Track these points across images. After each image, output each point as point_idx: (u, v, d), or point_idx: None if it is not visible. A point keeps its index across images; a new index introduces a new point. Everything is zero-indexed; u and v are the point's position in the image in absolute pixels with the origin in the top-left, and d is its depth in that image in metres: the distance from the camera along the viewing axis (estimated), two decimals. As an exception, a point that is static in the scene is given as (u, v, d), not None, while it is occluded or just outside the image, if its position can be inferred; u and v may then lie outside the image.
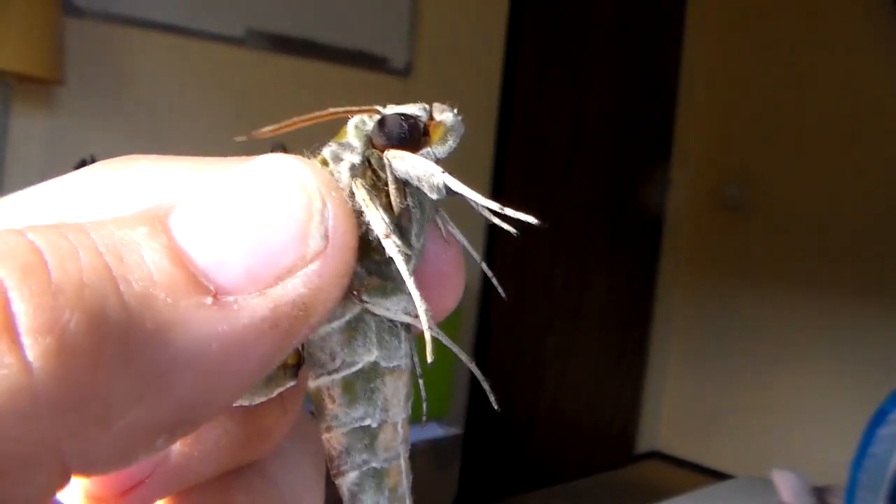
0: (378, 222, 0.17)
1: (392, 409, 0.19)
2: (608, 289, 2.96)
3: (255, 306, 0.14)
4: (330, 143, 0.18)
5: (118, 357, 0.13)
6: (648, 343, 3.14)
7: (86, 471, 0.13)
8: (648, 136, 3.02)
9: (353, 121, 0.18)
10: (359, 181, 0.17)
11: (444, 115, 0.18)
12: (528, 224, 0.18)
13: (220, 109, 1.88)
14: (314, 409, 0.18)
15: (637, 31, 2.90)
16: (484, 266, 0.21)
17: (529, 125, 2.60)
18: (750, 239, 2.92)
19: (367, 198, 0.17)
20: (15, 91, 1.55)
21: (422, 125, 0.18)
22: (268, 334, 0.14)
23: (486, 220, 0.18)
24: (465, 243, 0.20)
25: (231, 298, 0.14)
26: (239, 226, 0.14)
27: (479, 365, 0.20)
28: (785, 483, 1.33)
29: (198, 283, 0.14)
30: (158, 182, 0.16)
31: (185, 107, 1.83)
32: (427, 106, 0.18)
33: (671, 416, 3.19)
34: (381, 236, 0.17)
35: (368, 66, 2.12)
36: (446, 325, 0.18)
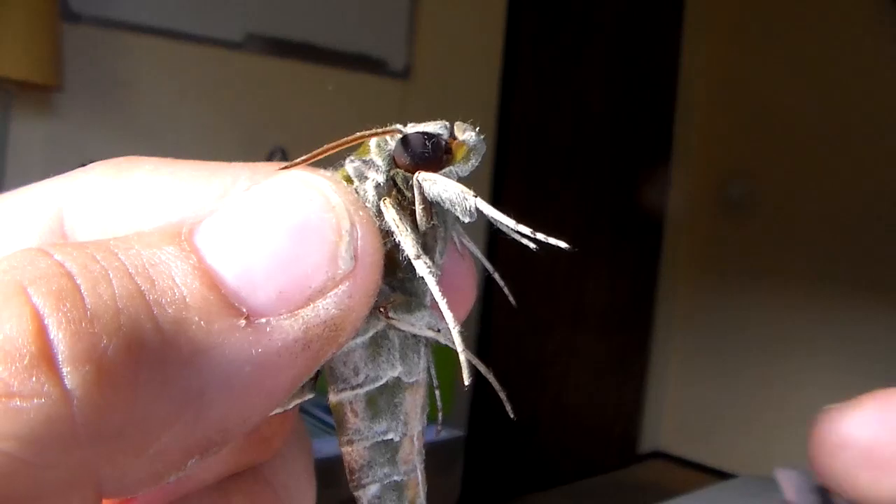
0: (409, 244, 0.17)
1: (411, 422, 0.19)
2: (609, 289, 2.95)
3: (286, 328, 0.14)
4: (353, 159, 0.18)
5: (154, 382, 0.13)
6: (650, 343, 3.13)
7: (118, 494, 0.13)
8: (649, 136, 3.02)
9: (376, 138, 0.18)
10: (388, 201, 0.17)
11: (467, 134, 0.19)
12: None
13: (219, 114, 1.88)
14: (334, 422, 0.18)
15: (636, 30, 2.90)
16: (496, 276, 0.22)
17: (529, 126, 2.60)
18: (751, 238, 2.92)
19: (397, 219, 0.17)
20: (14, 97, 1.55)
21: (444, 143, 0.18)
22: (299, 355, 0.14)
23: (489, 223, 0.18)
24: (480, 255, 0.20)
25: (263, 321, 0.14)
26: (269, 246, 0.14)
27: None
28: (788, 482, 1.33)
29: (230, 305, 0.14)
30: (162, 188, 0.16)
31: (184, 111, 1.83)
32: (448, 124, 0.18)
33: (674, 416, 3.18)
34: (411, 257, 0.17)
35: (367, 69, 2.12)
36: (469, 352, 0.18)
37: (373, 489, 0.19)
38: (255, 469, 0.18)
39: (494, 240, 2.41)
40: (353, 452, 0.19)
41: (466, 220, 0.18)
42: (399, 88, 2.17)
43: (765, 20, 2.89)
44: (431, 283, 0.17)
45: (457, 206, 0.18)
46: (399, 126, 0.18)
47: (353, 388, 0.18)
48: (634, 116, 2.95)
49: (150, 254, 0.14)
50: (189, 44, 1.81)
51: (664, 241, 3.14)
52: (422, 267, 0.17)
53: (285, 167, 0.16)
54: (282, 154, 1.77)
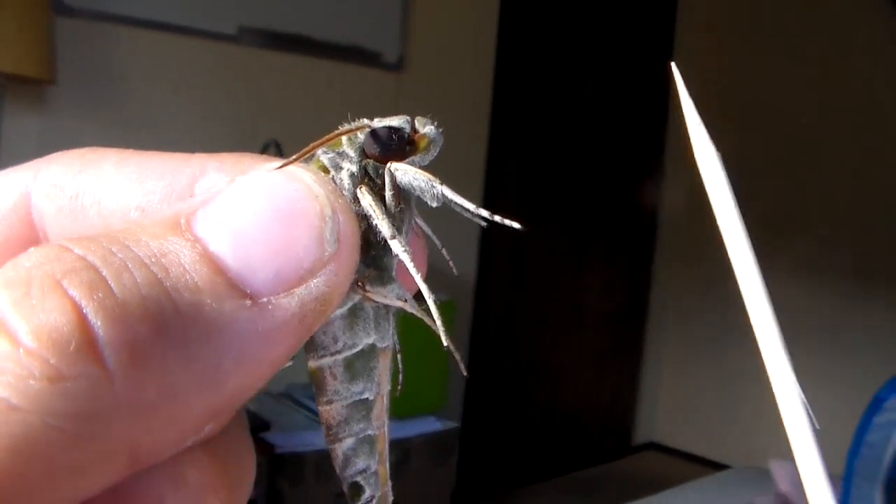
0: (385, 227, 0.19)
1: (383, 382, 0.21)
2: (604, 283, 2.96)
3: (285, 305, 0.16)
4: (326, 151, 0.20)
5: (180, 360, 0.14)
6: (644, 335, 3.14)
7: (148, 460, 0.15)
8: (643, 132, 3.02)
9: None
10: (364, 189, 0.20)
11: (427, 128, 0.21)
12: (524, 219, 0.20)
13: (212, 107, 1.87)
14: (314, 385, 0.21)
15: (630, 28, 2.90)
16: (444, 252, 0.24)
17: (523, 121, 2.60)
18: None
19: (373, 204, 0.20)
20: (7, 91, 1.54)
21: (406, 136, 0.21)
22: (297, 328, 0.16)
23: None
24: (431, 234, 0.23)
25: (264, 300, 0.16)
26: (264, 234, 0.16)
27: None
28: (782, 472, 1.34)
29: (236, 287, 0.15)
30: (130, 180, 0.18)
31: (178, 105, 1.82)
32: (409, 119, 0.21)
33: (668, 408, 3.19)
34: (387, 238, 0.19)
35: (361, 62, 2.11)
36: (442, 319, 0.20)
37: (348, 442, 0.21)
38: (204, 442, 0.19)
39: (488, 237, 2.41)
40: (332, 410, 0.21)
41: (434, 204, 0.20)
42: (393, 80, 2.17)
43: (760, 20, 2.89)
44: (406, 259, 0.19)
45: (426, 193, 0.20)
46: (367, 121, 0.20)
47: (332, 354, 0.20)
48: (629, 112, 2.95)
49: (157, 244, 0.15)
50: (182, 37, 1.80)
51: (658, 235, 3.15)
52: (397, 246, 0.19)
53: (277, 168, 0.17)
54: (276, 146, 1.77)
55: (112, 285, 0.14)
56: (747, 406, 2.84)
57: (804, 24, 2.74)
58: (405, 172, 0.20)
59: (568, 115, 2.75)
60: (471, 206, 0.20)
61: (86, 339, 0.13)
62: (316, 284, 0.16)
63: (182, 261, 0.15)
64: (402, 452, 1.76)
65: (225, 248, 0.16)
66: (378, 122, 0.20)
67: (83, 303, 0.14)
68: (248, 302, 0.15)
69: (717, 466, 2.55)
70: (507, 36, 2.49)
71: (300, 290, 0.16)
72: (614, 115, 2.90)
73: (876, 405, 1.14)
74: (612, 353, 3.06)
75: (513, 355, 2.69)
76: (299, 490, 1.61)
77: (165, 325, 0.14)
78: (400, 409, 1.79)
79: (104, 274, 0.14)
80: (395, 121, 0.20)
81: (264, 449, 1.55)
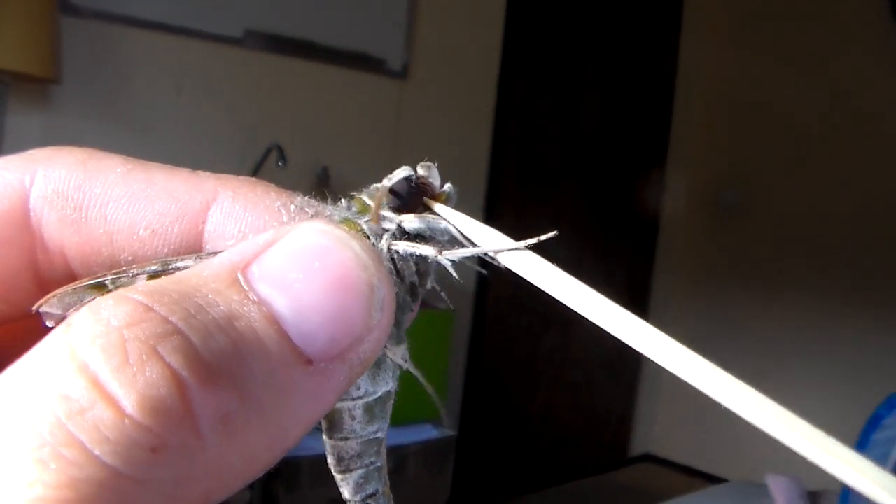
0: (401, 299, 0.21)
1: (389, 420, 0.23)
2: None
3: (338, 370, 0.17)
4: (364, 216, 0.22)
5: (258, 426, 0.15)
6: (643, 346, 3.13)
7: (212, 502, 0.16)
8: (644, 140, 3.02)
9: (372, 199, 0.22)
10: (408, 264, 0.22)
11: (446, 186, 0.23)
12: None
13: (216, 109, 1.88)
14: (326, 422, 0.22)
15: (634, 35, 2.90)
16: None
17: (525, 128, 2.60)
18: (744, 243, 2.93)
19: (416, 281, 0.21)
20: (11, 89, 1.55)
21: (414, 179, 0.22)
22: (343, 387, 0.17)
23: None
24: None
25: (322, 365, 0.16)
26: (321, 301, 0.17)
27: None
28: (779, 488, 1.33)
29: (300, 353, 0.16)
30: (139, 194, 0.19)
31: (182, 106, 1.83)
32: (410, 167, 0.22)
33: (665, 420, 3.19)
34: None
35: (365, 68, 2.12)
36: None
37: (359, 472, 0.23)
38: None
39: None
40: (346, 446, 0.22)
41: (446, 238, 0.22)
42: (397, 88, 2.17)
43: (762, 26, 2.90)
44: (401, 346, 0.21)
45: (436, 231, 0.22)
46: (378, 185, 0.22)
47: (353, 399, 0.22)
48: (631, 119, 2.95)
49: (227, 306, 0.16)
50: (188, 39, 1.80)
51: (658, 245, 3.15)
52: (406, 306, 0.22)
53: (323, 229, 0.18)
54: (278, 150, 1.77)
55: (202, 353, 0.14)
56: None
57: (806, 30, 2.74)
58: (411, 220, 0.21)
59: (570, 122, 2.75)
60: (473, 222, 0.22)
61: (188, 411, 0.14)
62: (363, 350, 0.17)
63: (252, 325, 0.16)
64: (398, 460, 1.75)
65: (286, 312, 0.16)
66: (388, 181, 0.22)
67: (182, 373, 0.14)
68: (311, 368, 0.16)
69: (714, 479, 2.54)
70: (512, 44, 2.49)
71: (350, 356, 0.17)
72: (616, 121, 2.90)
73: (875, 422, 1.14)
74: (610, 363, 3.05)
75: (510, 364, 2.68)
76: (294, 496, 1.61)
77: (248, 394, 0.15)
78: (397, 417, 1.78)
79: (193, 340, 0.15)
80: (401, 172, 0.22)
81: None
